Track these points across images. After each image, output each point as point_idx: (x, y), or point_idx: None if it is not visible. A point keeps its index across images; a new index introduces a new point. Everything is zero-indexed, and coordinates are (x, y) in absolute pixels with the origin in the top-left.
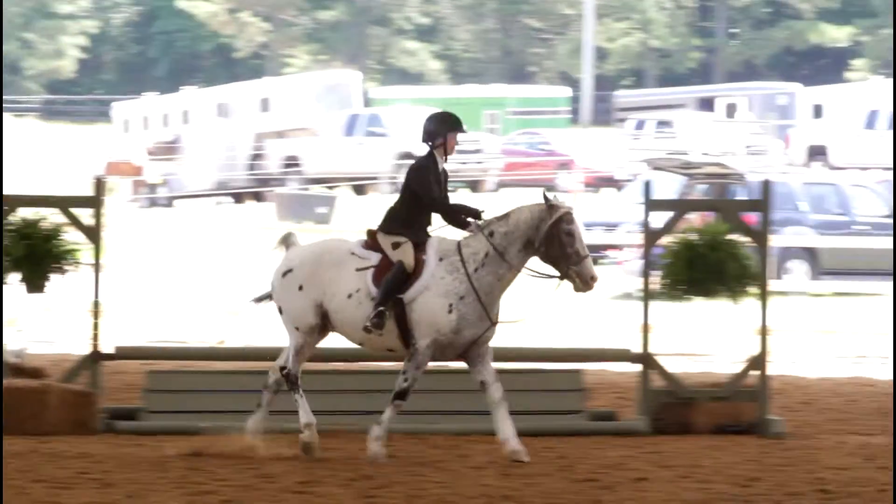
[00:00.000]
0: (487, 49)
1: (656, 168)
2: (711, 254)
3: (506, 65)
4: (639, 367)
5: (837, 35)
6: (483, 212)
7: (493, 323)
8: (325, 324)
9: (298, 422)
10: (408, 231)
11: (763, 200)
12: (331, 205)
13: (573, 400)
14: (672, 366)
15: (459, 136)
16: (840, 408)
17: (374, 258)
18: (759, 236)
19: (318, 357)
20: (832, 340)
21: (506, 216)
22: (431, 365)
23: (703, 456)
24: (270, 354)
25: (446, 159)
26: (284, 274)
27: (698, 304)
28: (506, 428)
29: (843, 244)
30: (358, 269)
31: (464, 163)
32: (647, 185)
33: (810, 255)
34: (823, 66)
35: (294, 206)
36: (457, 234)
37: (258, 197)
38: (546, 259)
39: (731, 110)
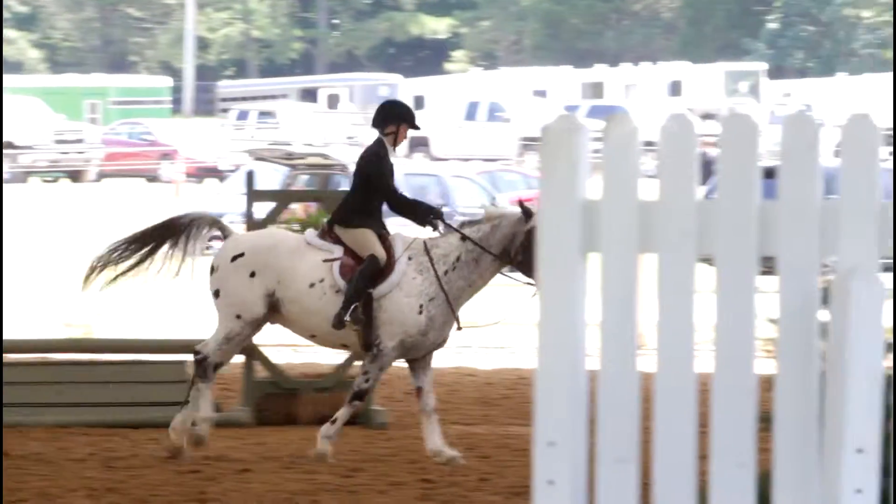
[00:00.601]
0: (87, 38)
1: (259, 158)
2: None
3: (106, 54)
4: (242, 359)
5: (437, 27)
6: (443, 210)
7: (459, 328)
8: (267, 315)
9: (192, 412)
10: (366, 221)
11: None
12: None
13: (177, 391)
14: (276, 357)
15: (409, 132)
16: (442, 397)
17: (337, 250)
18: None
19: None
20: None
21: (479, 222)
22: (31, 357)
23: (307, 446)
24: None
25: (393, 151)
26: (234, 258)
27: None
28: (435, 439)
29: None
30: (325, 260)
31: (64, 153)
32: (250, 175)
33: None
34: (424, 58)
35: None
36: (417, 231)
37: None
38: (520, 267)
39: (333, 101)
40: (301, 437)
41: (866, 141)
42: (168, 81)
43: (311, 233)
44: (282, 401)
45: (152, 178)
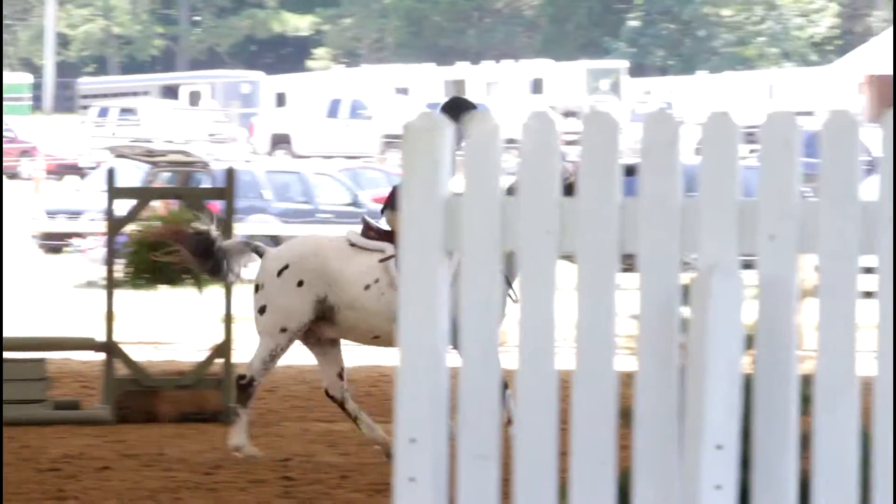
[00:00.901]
0: None
1: (120, 156)
2: (175, 242)
3: None
4: (102, 356)
5: (299, 24)
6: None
7: (515, 300)
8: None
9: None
10: None
11: (227, 188)
12: None
13: (36, 389)
14: (137, 354)
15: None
16: (304, 395)
17: (389, 248)
18: (224, 224)
19: None
20: None
21: None
22: None
23: (167, 444)
24: None
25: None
26: (280, 272)
27: (163, 292)
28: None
29: (306, 232)
30: (381, 261)
31: None
32: (111, 172)
33: (275, 242)
34: (286, 55)
35: None
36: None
37: None
38: None
39: (194, 98)
40: (161, 435)
41: (726, 139)
42: (28, 78)
43: (352, 232)
44: (142, 398)
45: (12, 176)
